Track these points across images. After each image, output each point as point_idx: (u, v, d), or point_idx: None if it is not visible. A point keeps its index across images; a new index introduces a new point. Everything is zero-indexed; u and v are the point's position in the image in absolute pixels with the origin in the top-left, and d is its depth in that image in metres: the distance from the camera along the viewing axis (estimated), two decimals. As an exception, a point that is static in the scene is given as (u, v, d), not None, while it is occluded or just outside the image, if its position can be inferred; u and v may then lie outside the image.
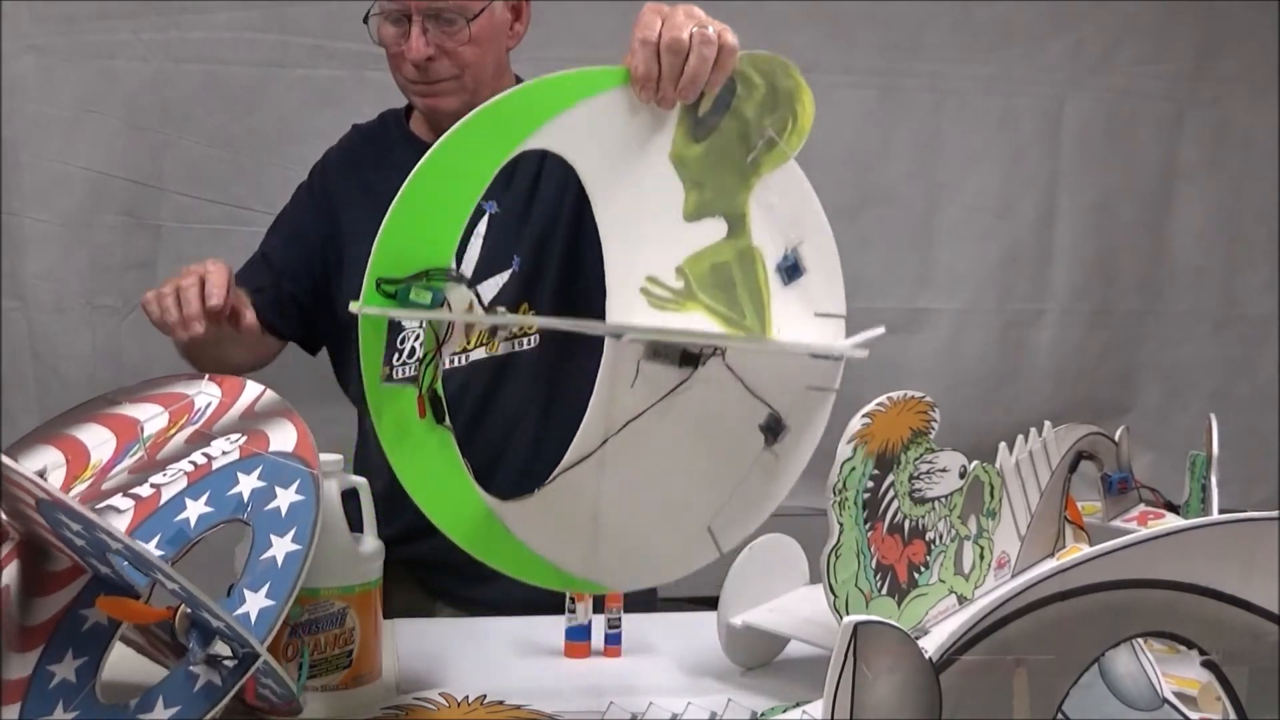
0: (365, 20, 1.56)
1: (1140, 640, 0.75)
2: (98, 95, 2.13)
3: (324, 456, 1.15)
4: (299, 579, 1.04)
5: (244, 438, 1.15)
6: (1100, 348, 2.61)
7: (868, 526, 1.06)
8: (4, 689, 1.02)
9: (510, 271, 1.56)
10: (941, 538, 1.14)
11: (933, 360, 2.51)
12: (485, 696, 1.14)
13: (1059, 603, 0.70)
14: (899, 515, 1.09)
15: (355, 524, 1.17)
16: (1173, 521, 1.43)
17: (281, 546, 1.07)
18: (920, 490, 1.11)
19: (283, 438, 1.15)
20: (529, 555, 1.15)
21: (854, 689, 0.69)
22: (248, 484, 1.12)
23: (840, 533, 1.04)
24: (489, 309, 1.16)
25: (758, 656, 1.25)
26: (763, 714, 1.11)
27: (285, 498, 1.10)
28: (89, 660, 1.04)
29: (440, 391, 1.10)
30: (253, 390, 1.22)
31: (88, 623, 1.06)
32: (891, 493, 1.09)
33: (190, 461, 1.15)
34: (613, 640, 1.30)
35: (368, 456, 1.64)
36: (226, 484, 1.13)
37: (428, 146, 1.54)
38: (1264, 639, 0.72)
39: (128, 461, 1.17)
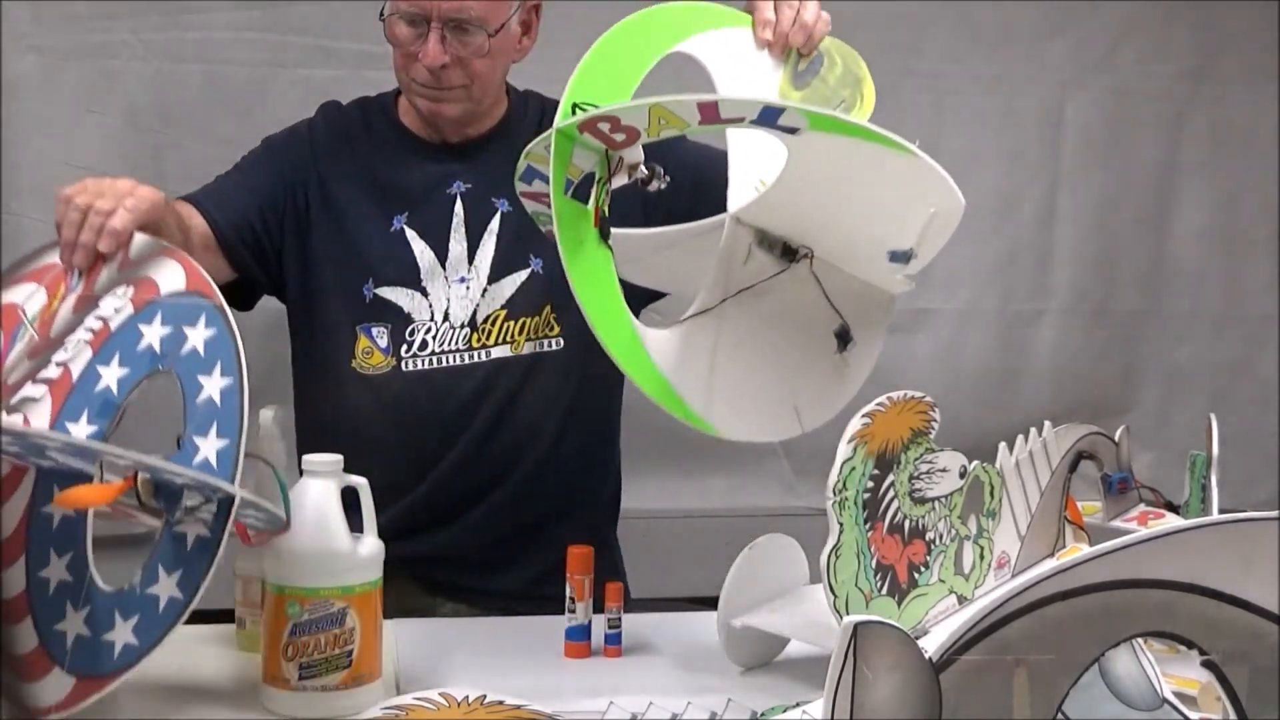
0: (381, 17, 1.55)
1: (1140, 640, 0.75)
2: (98, 95, 2.13)
3: (323, 457, 1.15)
4: (244, 410, 1.03)
5: (131, 289, 1.13)
6: (1100, 348, 2.60)
7: (868, 526, 1.06)
8: (6, 610, 1.01)
9: (530, 271, 1.56)
10: (941, 538, 1.14)
11: (933, 360, 2.50)
12: (485, 696, 1.14)
13: (1059, 603, 0.70)
14: (899, 515, 1.09)
15: (355, 524, 1.17)
16: (1173, 521, 1.43)
17: (213, 384, 1.07)
18: (920, 490, 1.11)
19: (171, 278, 1.13)
20: (664, 382, 1.18)
21: (854, 689, 0.69)
22: (153, 333, 1.11)
23: (840, 533, 1.04)
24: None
25: (758, 657, 1.25)
26: (763, 714, 1.11)
27: (197, 336, 1.09)
28: (75, 554, 1.04)
29: (606, 213, 1.15)
30: (116, 241, 1.19)
31: (55, 520, 1.05)
32: (891, 493, 1.09)
33: (86, 330, 1.13)
34: (613, 640, 1.30)
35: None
36: (132, 339, 1.11)
37: (419, 139, 1.56)
38: (1264, 639, 0.72)
39: (20, 346, 1.15)
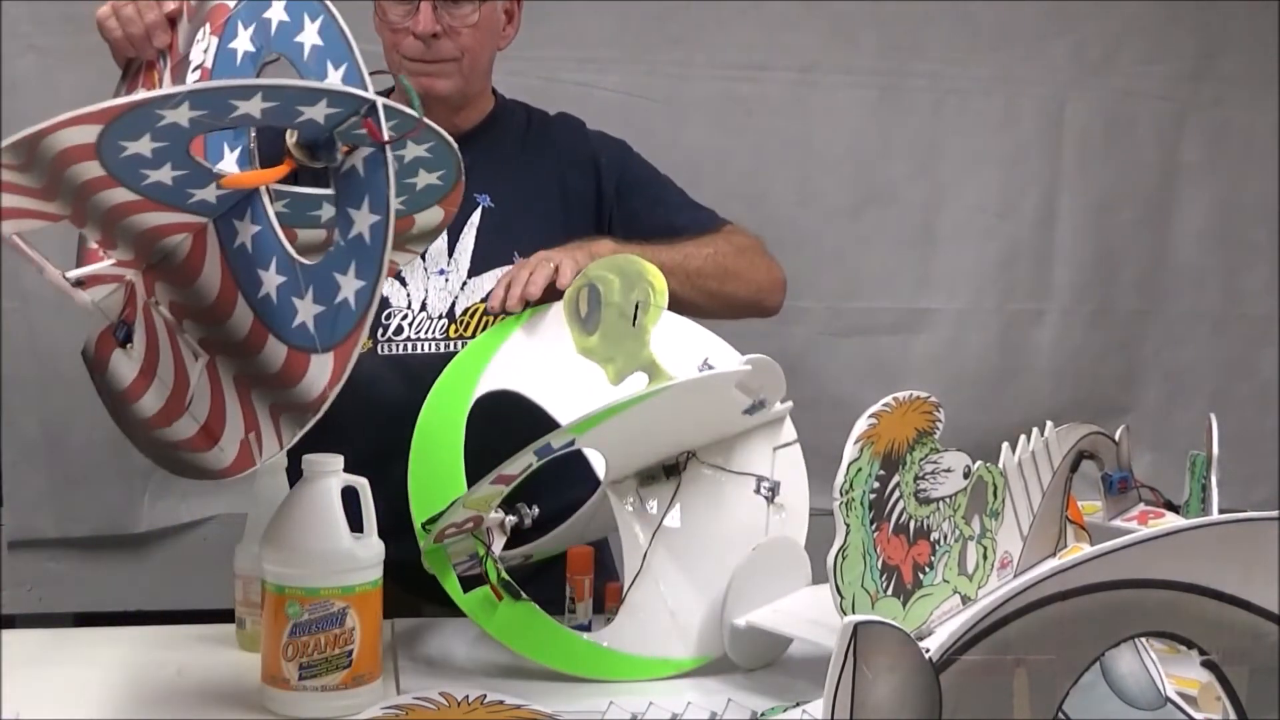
0: None
1: (1142, 640, 0.75)
2: (98, 95, 2.11)
3: (323, 457, 1.15)
4: (363, 72, 1.06)
5: (207, 25, 1.14)
6: (1100, 348, 2.60)
7: (874, 527, 1.06)
8: (247, 345, 1.03)
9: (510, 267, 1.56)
10: (946, 538, 1.14)
11: (933, 360, 2.51)
12: (485, 696, 1.14)
13: (1059, 603, 0.70)
14: (904, 516, 1.09)
15: (355, 524, 1.17)
16: (1173, 521, 1.43)
17: (306, 35, 1.10)
18: (925, 491, 1.11)
19: None
20: (643, 661, 1.25)
21: (854, 689, 0.69)
22: (243, 42, 1.12)
23: (847, 533, 1.04)
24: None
25: (761, 657, 1.25)
26: (763, 714, 1.11)
27: (276, 11, 1.10)
28: (278, 257, 1.04)
29: (504, 576, 1.24)
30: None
31: (249, 245, 1.04)
32: (897, 493, 1.09)
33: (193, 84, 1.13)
34: (613, 640, 1.30)
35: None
36: (228, 61, 1.12)
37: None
38: (1264, 639, 0.72)
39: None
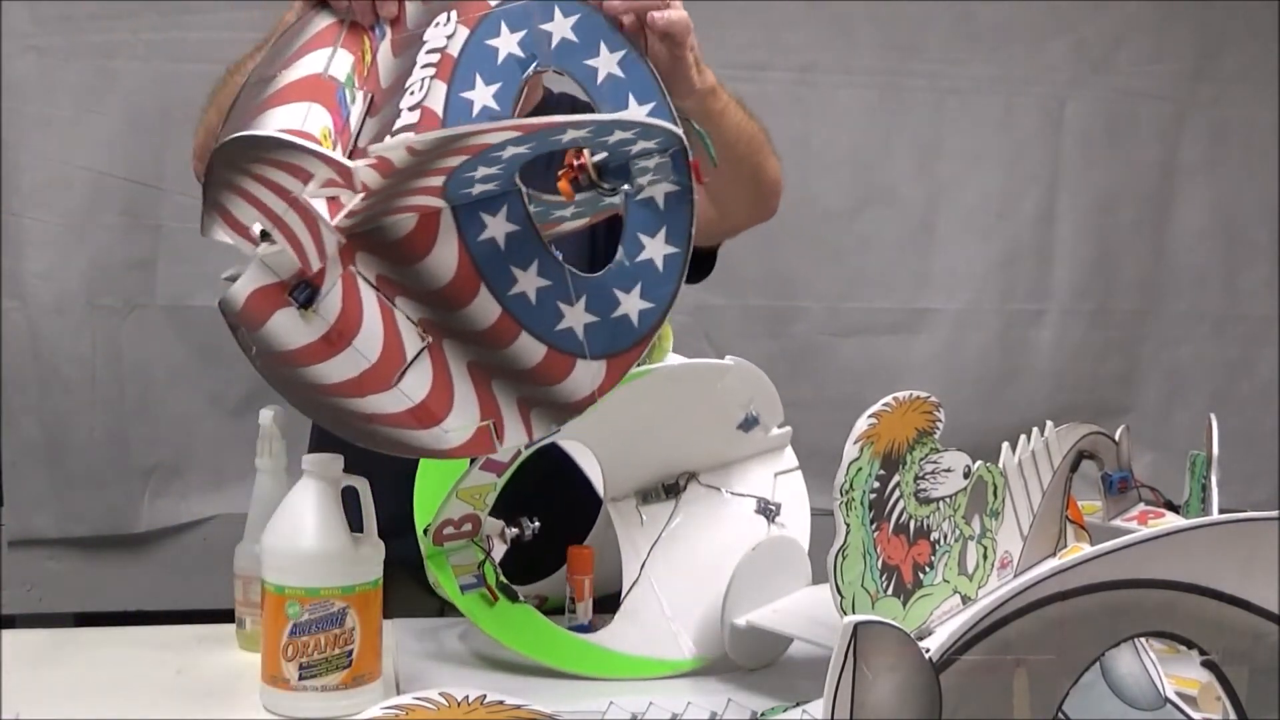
0: None
1: (1142, 640, 0.75)
2: (98, 95, 2.13)
3: (323, 457, 1.15)
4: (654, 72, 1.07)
5: (454, 11, 1.08)
6: (1100, 348, 2.61)
7: (874, 527, 1.06)
8: (490, 336, 1.04)
9: None
10: (946, 538, 1.14)
11: (933, 360, 2.51)
12: (485, 696, 1.14)
13: (1059, 603, 0.70)
14: (904, 515, 1.09)
15: (355, 524, 1.17)
16: (1173, 521, 1.43)
17: (604, 63, 1.08)
18: (925, 490, 1.11)
19: None
20: (641, 660, 1.25)
21: (854, 689, 0.69)
22: (507, 42, 1.07)
23: (847, 533, 1.04)
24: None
25: (761, 656, 1.25)
26: (763, 714, 1.11)
27: (560, 27, 1.08)
28: (541, 261, 1.04)
29: (504, 579, 1.26)
30: None
31: (500, 241, 1.04)
32: (897, 493, 1.09)
33: (424, 66, 1.07)
34: (613, 641, 1.30)
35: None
36: (486, 57, 1.07)
37: None
38: (1264, 639, 0.72)
39: (356, 109, 1.07)
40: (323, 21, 1.10)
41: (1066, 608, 0.70)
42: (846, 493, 1.03)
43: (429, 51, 1.07)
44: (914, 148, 2.48)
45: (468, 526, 1.26)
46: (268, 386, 1.03)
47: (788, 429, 1.40)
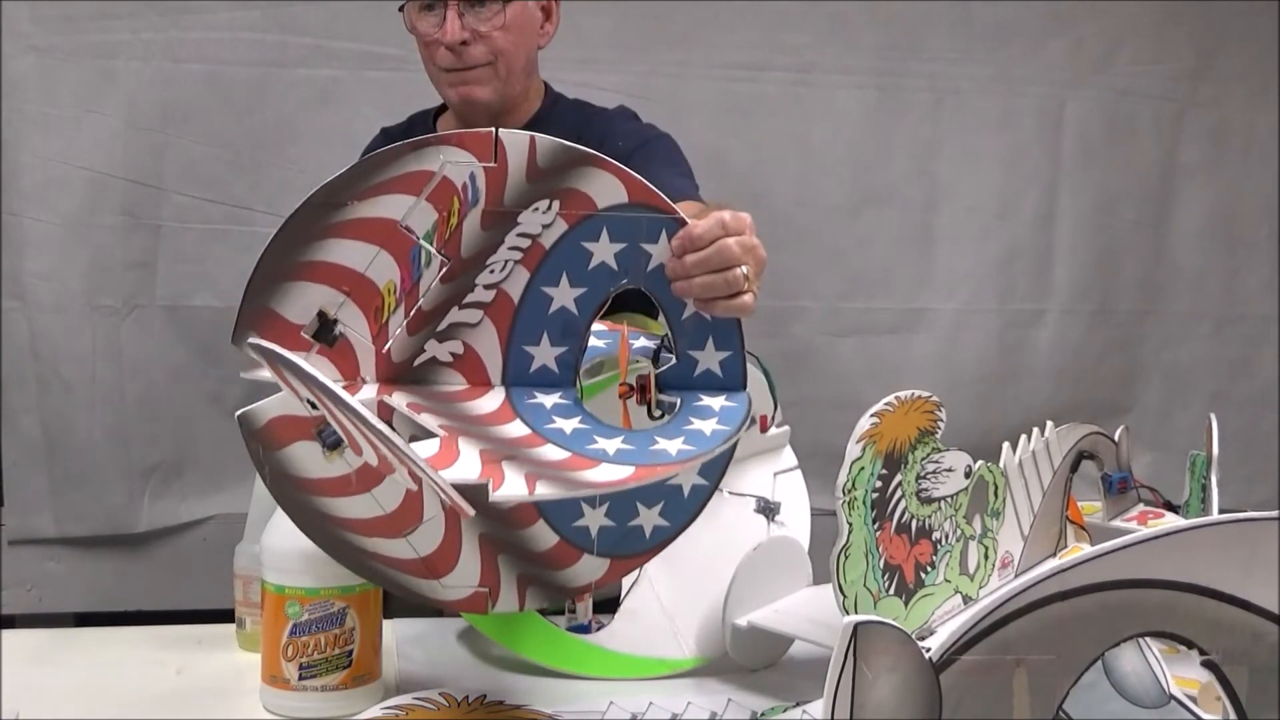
0: (400, 8, 1.56)
1: (1144, 639, 0.75)
2: (98, 95, 2.13)
3: (324, 457, 1.15)
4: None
5: (555, 202, 1.04)
6: (1100, 348, 2.61)
7: (876, 526, 1.06)
8: (512, 517, 1.08)
9: None
10: (947, 538, 1.14)
11: (933, 360, 2.51)
12: (485, 696, 1.14)
13: (1059, 603, 0.70)
14: (906, 515, 1.09)
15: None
16: (1173, 521, 1.43)
17: None
18: (927, 490, 1.11)
19: (605, 190, 1.04)
20: (641, 660, 1.25)
21: (854, 689, 0.69)
22: (604, 250, 1.05)
23: (849, 532, 1.04)
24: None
25: (762, 657, 1.25)
26: (763, 714, 1.11)
27: (658, 252, 1.06)
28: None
29: None
30: (514, 142, 1.02)
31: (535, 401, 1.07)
32: (899, 492, 1.09)
33: (511, 249, 1.04)
34: (613, 641, 1.30)
35: None
36: (579, 258, 1.05)
37: None
38: (1264, 639, 0.72)
39: (430, 273, 1.03)
40: (415, 165, 1.01)
41: (1066, 608, 0.70)
42: (849, 492, 1.04)
43: (520, 235, 1.04)
44: (913, 148, 2.48)
45: None
46: (267, 387, 1.03)
47: (786, 428, 1.40)
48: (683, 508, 1.13)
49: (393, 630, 1.31)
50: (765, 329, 2.43)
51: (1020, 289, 2.56)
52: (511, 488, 0.92)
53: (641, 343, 1.17)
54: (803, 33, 2.40)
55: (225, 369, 2.17)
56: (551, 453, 0.99)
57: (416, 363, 1.05)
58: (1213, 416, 1.40)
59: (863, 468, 1.04)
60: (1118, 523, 1.46)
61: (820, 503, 1.27)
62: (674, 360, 1.11)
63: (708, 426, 1.06)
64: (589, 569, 1.12)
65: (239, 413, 1.02)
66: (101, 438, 2.16)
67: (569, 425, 1.04)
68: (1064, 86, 2.54)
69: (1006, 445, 1.23)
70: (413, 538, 1.06)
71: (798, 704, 1.11)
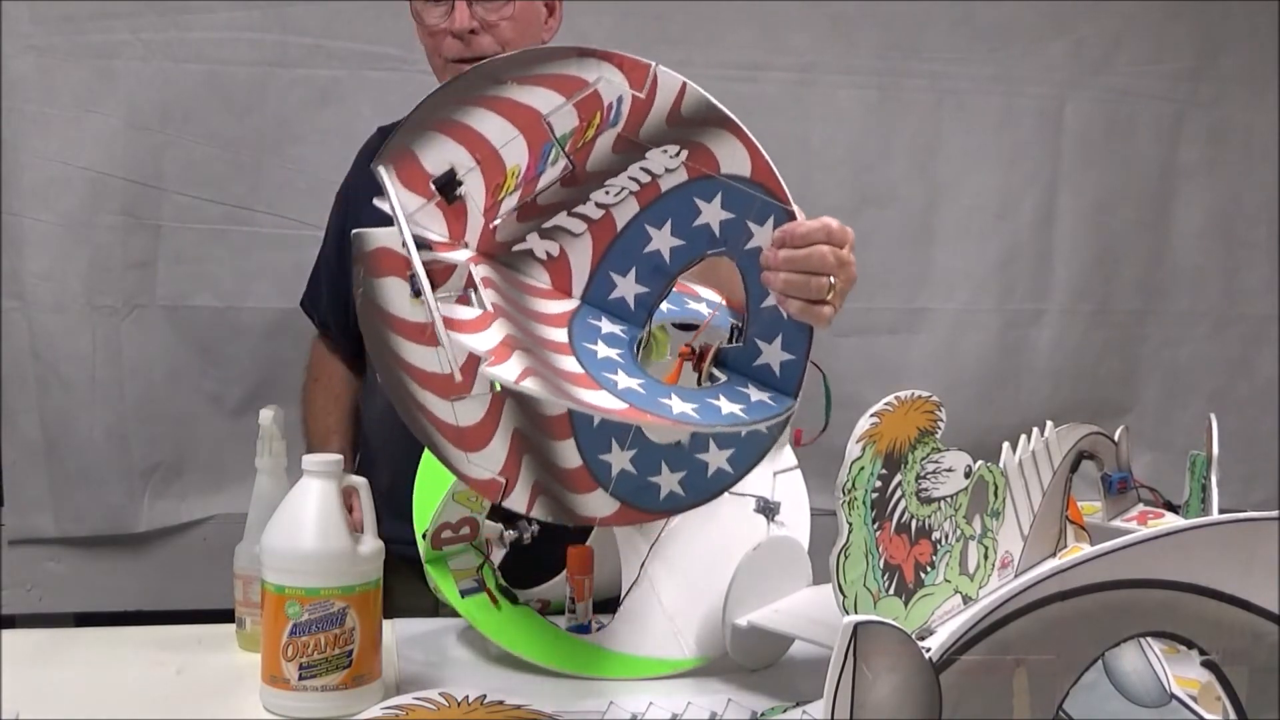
0: None
1: (1145, 638, 0.75)
2: (98, 95, 2.13)
3: (323, 457, 1.15)
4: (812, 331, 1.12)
5: (685, 152, 1.07)
6: (1100, 348, 2.61)
7: (876, 526, 1.06)
8: (548, 426, 1.10)
9: None
10: (947, 537, 1.14)
11: (932, 360, 2.51)
12: (485, 696, 1.14)
13: (1059, 602, 0.70)
14: (906, 515, 1.09)
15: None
16: (1173, 521, 1.43)
17: None
18: (927, 490, 1.11)
19: (732, 156, 1.07)
20: (641, 660, 1.25)
21: (854, 689, 0.69)
22: (712, 214, 1.09)
23: (849, 532, 1.04)
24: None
25: (762, 657, 1.25)
26: (763, 714, 1.11)
27: (761, 236, 1.09)
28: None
29: (504, 582, 1.29)
30: (666, 83, 1.06)
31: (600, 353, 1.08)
32: (899, 492, 1.09)
33: (631, 179, 1.08)
34: (613, 641, 1.30)
35: (371, 458, 1.64)
36: (687, 211, 1.09)
37: None
38: (1264, 639, 0.72)
39: (553, 172, 1.07)
40: (575, 70, 1.05)
41: (1066, 608, 0.70)
42: (849, 492, 1.04)
43: (643, 169, 1.08)
44: (913, 148, 2.48)
45: (465, 530, 1.26)
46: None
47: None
48: (702, 486, 1.13)
49: (393, 630, 1.31)
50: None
51: (1020, 289, 2.56)
52: (501, 371, 0.95)
53: (727, 317, 1.18)
54: (803, 33, 2.40)
55: (225, 369, 2.17)
56: (568, 364, 1.02)
57: (515, 249, 1.09)
58: (1212, 416, 1.40)
59: (863, 468, 1.04)
60: (1118, 523, 1.46)
61: (820, 503, 1.26)
62: (741, 344, 1.13)
63: (727, 407, 1.06)
64: (598, 504, 1.12)
65: (356, 231, 1.07)
66: (101, 438, 2.16)
67: (605, 352, 1.06)
68: (1064, 86, 2.53)
69: (1006, 445, 1.23)
70: (458, 405, 1.08)
71: (798, 704, 1.11)
